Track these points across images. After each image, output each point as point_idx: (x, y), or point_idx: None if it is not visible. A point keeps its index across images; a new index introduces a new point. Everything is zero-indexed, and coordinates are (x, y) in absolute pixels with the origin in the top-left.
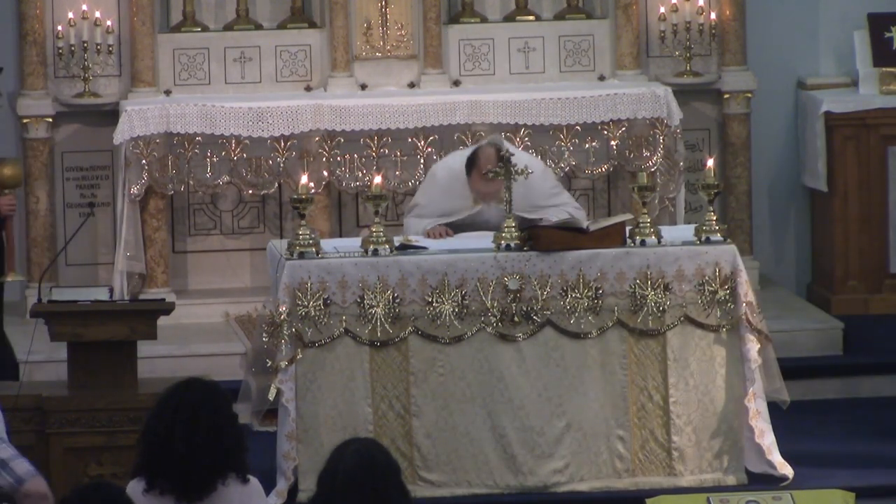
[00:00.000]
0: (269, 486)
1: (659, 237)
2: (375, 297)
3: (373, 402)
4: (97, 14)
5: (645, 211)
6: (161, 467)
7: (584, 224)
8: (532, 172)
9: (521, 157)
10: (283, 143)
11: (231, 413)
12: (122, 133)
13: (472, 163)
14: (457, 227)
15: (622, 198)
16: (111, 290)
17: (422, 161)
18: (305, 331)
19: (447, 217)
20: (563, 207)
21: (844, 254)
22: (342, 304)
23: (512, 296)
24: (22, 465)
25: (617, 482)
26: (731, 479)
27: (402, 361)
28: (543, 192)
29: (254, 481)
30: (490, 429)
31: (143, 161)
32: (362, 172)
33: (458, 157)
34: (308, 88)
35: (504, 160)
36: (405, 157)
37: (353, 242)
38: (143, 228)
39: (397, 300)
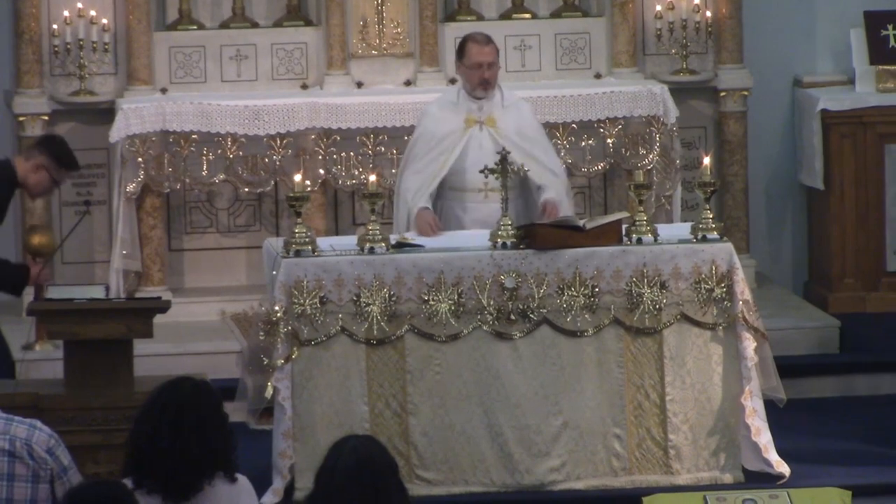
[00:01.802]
0: (265, 484)
1: (655, 235)
2: (372, 295)
3: (369, 400)
4: (93, 12)
5: (641, 209)
6: (147, 466)
7: (580, 222)
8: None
9: (510, 94)
10: (279, 141)
11: (219, 412)
12: (119, 131)
13: (462, 50)
14: (457, 166)
15: (619, 196)
16: (107, 289)
17: None
18: (302, 329)
19: (441, 152)
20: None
21: (841, 252)
22: (338, 303)
23: (508, 294)
24: None
25: (613, 481)
26: (727, 478)
27: (398, 360)
28: (532, 125)
29: (242, 480)
30: (487, 427)
31: (139, 159)
32: (358, 170)
33: (443, 93)
34: (304, 86)
35: (501, 158)
36: (401, 155)
37: (350, 240)
38: (139, 226)
39: (394, 298)
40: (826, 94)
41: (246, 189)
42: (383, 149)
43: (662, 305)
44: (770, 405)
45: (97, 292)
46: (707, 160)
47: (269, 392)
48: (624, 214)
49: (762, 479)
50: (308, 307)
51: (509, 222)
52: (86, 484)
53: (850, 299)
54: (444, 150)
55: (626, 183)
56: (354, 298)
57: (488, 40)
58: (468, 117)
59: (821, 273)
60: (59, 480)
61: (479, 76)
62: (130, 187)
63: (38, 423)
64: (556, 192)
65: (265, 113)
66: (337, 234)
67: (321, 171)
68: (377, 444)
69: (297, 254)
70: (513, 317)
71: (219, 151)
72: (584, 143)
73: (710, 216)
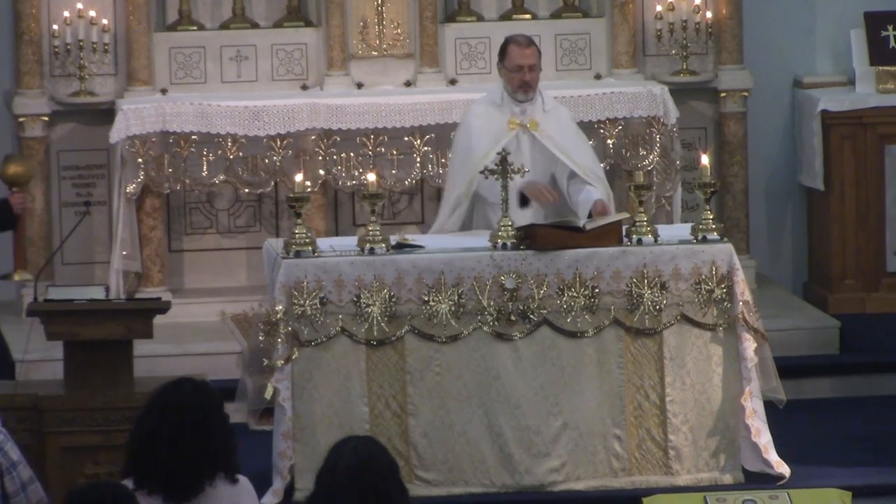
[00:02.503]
0: (265, 485)
1: (655, 236)
2: (372, 295)
3: (369, 401)
4: (93, 13)
5: (641, 210)
6: (148, 467)
7: (581, 223)
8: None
9: (550, 99)
10: (279, 142)
11: (220, 413)
12: (119, 132)
13: (503, 52)
14: None
15: (619, 196)
16: (107, 289)
17: (418, 160)
18: (302, 330)
19: (486, 144)
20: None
21: (841, 252)
22: (338, 303)
23: (508, 295)
24: (37, 492)
25: (613, 481)
26: (727, 478)
27: (398, 360)
28: (572, 129)
29: (243, 481)
30: (487, 428)
31: (139, 160)
32: (359, 171)
33: (488, 93)
34: (304, 87)
35: (501, 159)
36: (401, 156)
37: (350, 241)
38: (139, 227)
39: (394, 299)
40: (826, 95)
41: (246, 190)
42: (383, 149)
43: (662, 306)
44: (770, 406)
45: (97, 293)
46: (705, 160)
47: (269, 393)
48: (624, 215)
49: (762, 479)
50: (308, 308)
51: (509, 223)
52: (86, 485)
53: (850, 300)
54: (489, 146)
55: (626, 184)
56: (354, 299)
57: (530, 42)
58: (511, 119)
59: (821, 274)
60: (8, 475)
61: (519, 78)
62: (130, 188)
63: None
64: (600, 194)
65: (265, 114)
66: (337, 234)
67: (321, 172)
68: (378, 445)
69: (298, 254)
70: (513, 317)
71: (219, 152)
72: None
73: (711, 217)
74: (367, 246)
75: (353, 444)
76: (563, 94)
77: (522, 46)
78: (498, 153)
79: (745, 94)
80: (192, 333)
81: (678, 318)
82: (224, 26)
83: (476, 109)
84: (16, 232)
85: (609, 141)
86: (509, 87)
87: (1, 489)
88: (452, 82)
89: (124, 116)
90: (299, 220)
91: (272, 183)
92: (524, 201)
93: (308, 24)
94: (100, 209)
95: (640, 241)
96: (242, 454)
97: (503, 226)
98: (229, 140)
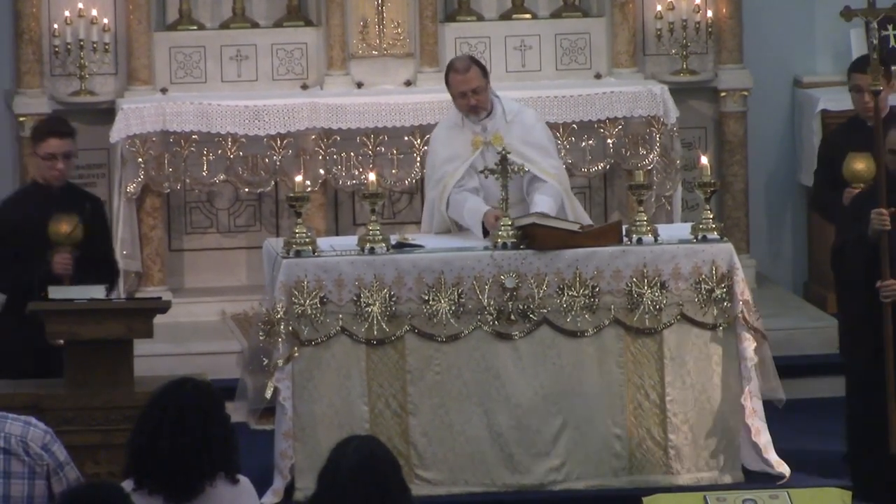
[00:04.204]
0: (266, 484)
1: (655, 235)
2: (372, 295)
3: (369, 400)
4: (93, 12)
5: (641, 209)
6: (149, 467)
7: (575, 227)
8: (527, 122)
9: (511, 104)
10: (279, 142)
11: (221, 414)
12: (119, 131)
13: (446, 79)
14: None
15: (619, 196)
16: (108, 289)
17: (418, 159)
18: (302, 329)
19: (454, 166)
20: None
21: None
22: (338, 303)
23: (508, 294)
24: None
25: (614, 480)
26: (727, 478)
27: (398, 360)
28: (537, 131)
29: (244, 481)
30: (487, 427)
31: (140, 159)
32: (359, 171)
33: (448, 114)
34: (304, 87)
35: (501, 158)
36: (401, 156)
37: (350, 241)
38: (139, 227)
39: (394, 298)
40: (826, 95)
41: (246, 189)
42: (383, 149)
43: (662, 306)
44: (770, 405)
45: (97, 292)
46: (704, 160)
47: (269, 392)
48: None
49: (762, 479)
50: (308, 307)
51: (509, 223)
52: (81, 485)
53: None
54: (449, 171)
55: (626, 183)
56: (355, 299)
57: (468, 66)
58: (474, 139)
59: (821, 273)
60: (55, 476)
61: (465, 105)
62: (131, 187)
63: (34, 420)
64: (545, 205)
65: (265, 113)
66: (337, 234)
67: (321, 172)
68: (380, 444)
69: (298, 254)
70: (513, 317)
71: (219, 152)
72: (584, 144)
73: (711, 216)
74: (368, 245)
75: (355, 443)
76: (563, 94)
77: (460, 73)
78: (499, 152)
79: (745, 93)
80: (193, 333)
81: (678, 317)
82: (224, 26)
83: (439, 135)
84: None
85: (609, 140)
86: (461, 112)
87: (48, 490)
88: None
89: (124, 116)
90: (299, 220)
91: (272, 182)
92: (486, 232)
93: (308, 23)
94: None
95: (640, 241)
96: (243, 453)
97: (503, 225)
98: (229, 139)
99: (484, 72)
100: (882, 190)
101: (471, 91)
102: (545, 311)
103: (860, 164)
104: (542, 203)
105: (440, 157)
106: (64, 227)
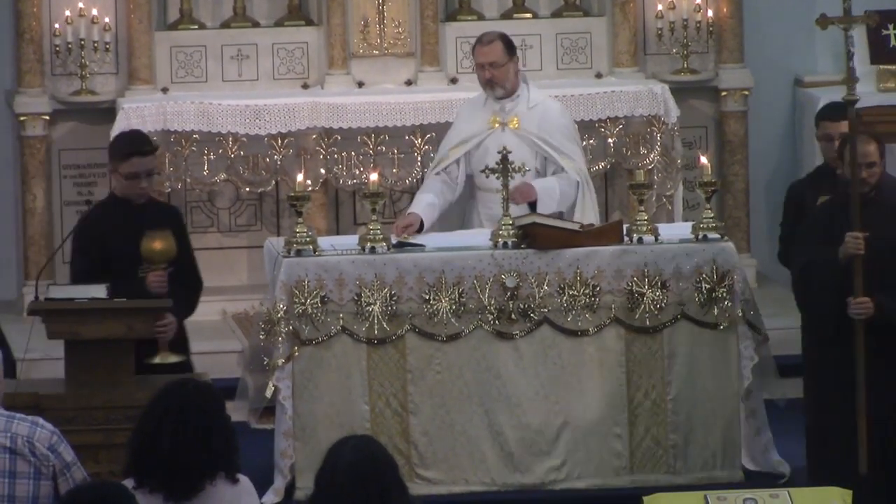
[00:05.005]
0: (266, 483)
1: (656, 235)
2: (372, 294)
3: (370, 399)
4: (94, 12)
5: (642, 209)
6: (149, 467)
7: (576, 226)
8: (550, 112)
9: (539, 94)
10: (280, 141)
11: (222, 414)
12: (120, 131)
13: (473, 53)
14: (478, 160)
15: (619, 195)
16: (108, 289)
17: (419, 158)
18: (302, 329)
19: (464, 143)
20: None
21: None
22: (339, 302)
23: (509, 293)
24: None
25: (614, 480)
26: (728, 477)
27: (399, 359)
28: (558, 124)
29: (244, 481)
30: (487, 426)
31: None
32: (359, 170)
33: (475, 95)
34: (305, 86)
35: (502, 158)
36: (402, 155)
37: (351, 240)
38: None
39: (394, 298)
40: (826, 94)
41: (247, 189)
42: (384, 148)
43: (663, 305)
44: (770, 405)
45: (98, 292)
46: (704, 159)
47: (269, 391)
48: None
49: (763, 478)
50: (309, 307)
51: (510, 222)
52: (85, 485)
53: None
54: (446, 155)
55: (626, 182)
56: (355, 298)
57: (491, 40)
58: (492, 118)
59: None
60: (61, 477)
61: (482, 77)
62: None
63: (41, 421)
64: (546, 183)
65: (266, 113)
66: (338, 233)
67: (322, 171)
68: (377, 444)
69: (298, 253)
70: (514, 316)
71: (220, 151)
72: (585, 143)
73: (711, 216)
74: (368, 245)
75: (352, 442)
76: (564, 93)
77: (483, 44)
78: (499, 152)
79: (746, 92)
80: (193, 332)
81: (679, 316)
82: (225, 25)
83: (461, 111)
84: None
85: (610, 140)
86: (480, 85)
87: (55, 490)
88: (453, 81)
89: (125, 115)
90: (300, 219)
91: (273, 182)
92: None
93: (309, 22)
94: None
95: (640, 240)
96: (243, 453)
97: (504, 224)
98: (230, 139)
99: (510, 50)
100: (856, 212)
101: (488, 64)
102: (546, 310)
103: None
104: (548, 186)
105: (451, 137)
106: (158, 244)
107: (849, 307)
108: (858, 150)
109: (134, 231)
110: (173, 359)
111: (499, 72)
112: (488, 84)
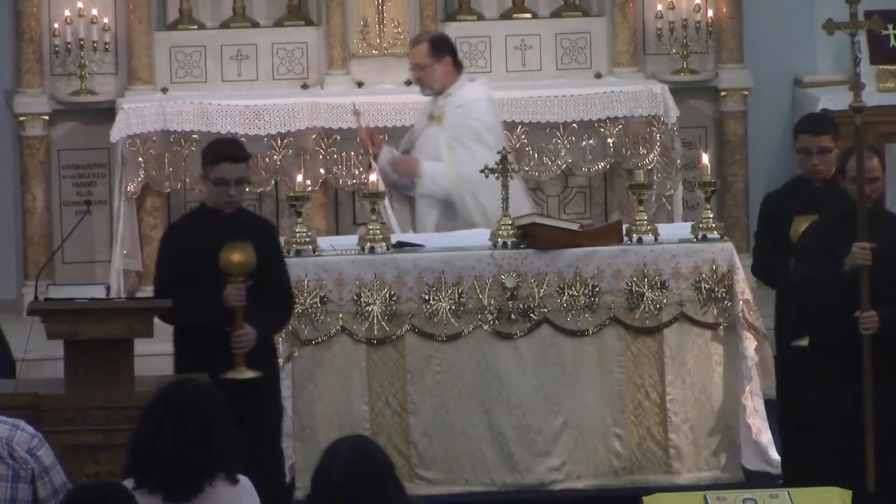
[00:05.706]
0: None
1: (656, 235)
2: (372, 294)
3: (369, 399)
4: (94, 12)
5: (642, 209)
6: (149, 467)
7: (576, 226)
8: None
9: (471, 94)
10: (279, 141)
11: (222, 414)
12: (119, 131)
13: None
14: (417, 150)
15: (619, 195)
16: (108, 288)
17: None
18: (302, 328)
19: (411, 134)
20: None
21: None
22: (339, 302)
23: (509, 294)
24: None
25: (614, 480)
26: (728, 477)
27: (398, 359)
28: (473, 123)
29: (244, 481)
30: (487, 427)
31: (140, 159)
32: (359, 170)
33: None
34: (305, 86)
35: (502, 158)
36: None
37: (350, 240)
38: (139, 226)
39: (394, 298)
40: (826, 94)
41: (247, 189)
42: None
43: (663, 305)
44: (770, 405)
45: (98, 292)
46: (705, 159)
47: None
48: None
49: (763, 478)
50: (308, 307)
51: (509, 222)
52: (86, 485)
53: None
54: (409, 138)
55: (626, 183)
56: (355, 298)
57: (419, 41)
58: (428, 113)
59: None
60: (40, 481)
61: (411, 76)
62: (131, 187)
63: (22, 423)
64: (434, 166)
65: (266, 113)
66: (337, 233)
67: (322, 171)
68: (373, 443)
69: (298, 253)
70: (513, 316)
71: None
72: (584, 143)
73: (711, 216)
74: (368, 245)
75: (348, 442)
76: (564, 93)
77: (411, 45)
78: (499, 152)
79: (746, 92)
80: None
81: (678, 316)
82: (225, 25)
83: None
84: (231, 327)
85: (609, 140)
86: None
87: (33, 493)
88: None
89: (125, 115)
90: (300, 219)
91: (273, 182)
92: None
93: (309, 23)
94: (100, 208)
95: (640, 240)
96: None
97: (503, 224)
98: None
99: (438, 51)
100: (863, 222)
101: (413, 66)
102: (545, 310)
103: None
104: (429, 167)
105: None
106: (236, 256)
107: (858, 322)
108: (850, 165)
109: (219, 242)
110: (248, 374)
111: (424, 73)
112: (416, 83)
